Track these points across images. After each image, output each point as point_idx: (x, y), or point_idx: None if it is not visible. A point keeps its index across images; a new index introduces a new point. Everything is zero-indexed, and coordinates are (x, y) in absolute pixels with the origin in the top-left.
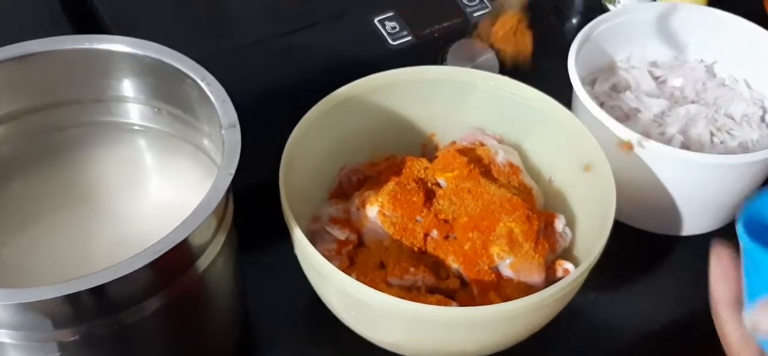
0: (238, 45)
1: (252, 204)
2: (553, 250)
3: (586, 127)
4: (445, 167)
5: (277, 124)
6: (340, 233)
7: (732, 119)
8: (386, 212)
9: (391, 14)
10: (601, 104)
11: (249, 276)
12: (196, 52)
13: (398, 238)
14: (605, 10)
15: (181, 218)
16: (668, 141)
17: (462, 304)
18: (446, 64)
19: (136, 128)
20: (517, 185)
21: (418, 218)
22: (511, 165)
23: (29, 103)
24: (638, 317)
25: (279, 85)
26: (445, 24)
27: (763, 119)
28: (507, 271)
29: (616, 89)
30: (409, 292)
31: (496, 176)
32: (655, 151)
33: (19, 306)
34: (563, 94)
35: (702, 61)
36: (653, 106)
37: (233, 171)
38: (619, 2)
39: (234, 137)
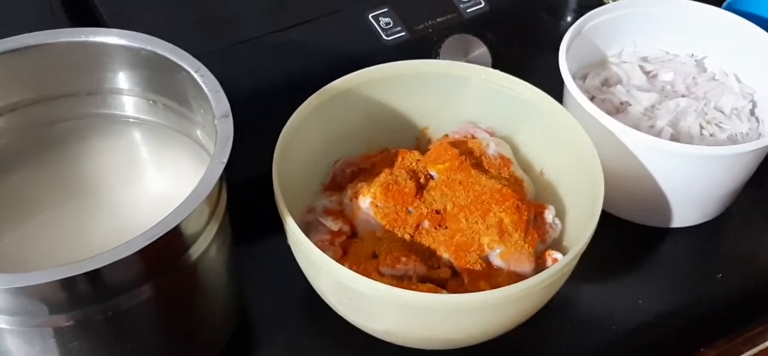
0: (233, 41)
1: (247, 197)
2: (543, 240)
3: (576, 120)
4: (436, 159)
5: (272, 118)
6: (334, 224)
7: (722, 112)
8: (378, 203)
9: (385, 10)
10: (592, 98)
11: (243, 267)
12: (192, 49)
13: (390, 228)
14: (599, 5)
15: None
16: (658, 134)
17: (452, 293)
18: (440, 59)
19: (132, 120)
20: (507, 177)
21: (410, 209)
22: (502, 157)
23: (25, 95)
24: (628, 308)
25: (274, 80)
26: (439, 19)
27: (752, 113)
28: (497, 261)
29: (608, 83)
30: (401, 282)
31: (487, 167)
32: (645, 143)
33: (15, 291)
34: (555, 89)
35: (692, 55)
36: (644, 99)
37: (225, 160)
38: None
39: (227, 127)
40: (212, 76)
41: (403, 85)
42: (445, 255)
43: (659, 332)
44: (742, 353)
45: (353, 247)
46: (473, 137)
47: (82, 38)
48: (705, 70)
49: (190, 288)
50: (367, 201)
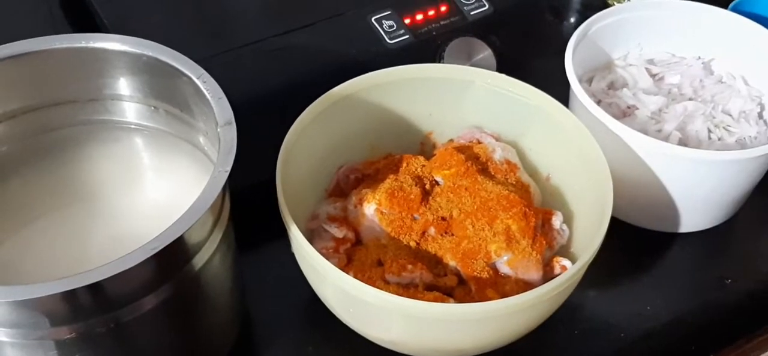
0: (235, 45)
1: (250, 203)
2: (550, 247)
3: (583, 124)
4: (442, 165)
5: (275, 123)
6: (338, 231)
7: (730, 115)
8: (384, 210)
9: (388, 13)
10: (599, 102)
11: (247, 275)
12: (194, 53)
13: (396, 236)
14: (605, 7)
15: (178, 216)
16: (666, 138)
17: (459, 301)
18: (444, 63)
19: (133, 126)
20: (514, 183)
21: (415, 215)
22: (508, 163)
23: (26, 102)
24: (636, 314)
25: (276, 84)
26: (442, 22)
27: (760, 116)
28: (504, 268)
29: (614, 86)
30: (407, 289)
31: (493, 173)
32: (653, 148)
33: (16, 304)
34: (560, 92)
35: (699, 58)
36: (650, 103)
37: (229, 168)
38: None
39: (230, 135)
40: (215, 83)
41: (407, 90)
42: (452, 263)
43: (668, 338)
44: None
45: (358, 254)
46: (479, 142)
47: (83, 44)
48: (712, 73)
49: (194, 297)
50: (371, 208)
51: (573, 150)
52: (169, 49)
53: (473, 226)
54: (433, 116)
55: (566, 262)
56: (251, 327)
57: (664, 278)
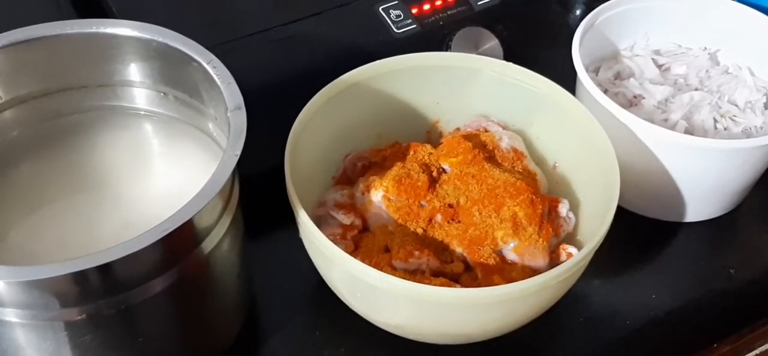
0: (243, 33)
1: (258, 191)
2: (557, 234)
3: (590, 112)
4: (449, 153)
5: (283, 112)
6: (345, 218)
7: (736, 105)
8: (391, 197)
9: (395, 2)
10: (605, 92)
11: (255, 261)
12: (202, 41)
13: (403, 222)
14: None
15: (187, 202)
16: (672, 127)
17: (466, 287)
18: (451, 52)
19: (142, 112)
20: (521, 171)
21: (422, 202)
22: (515, 151)
23: (36, 87)
24: (641, 303)
25: (284, 73)
26: (449, 12)
27: (766, 106)
28: (511, 255)
29: (620, 76)
30: (414, 276)
31: (500, 161)
32: (660, 136)
33: (27, 284)
34: (567, 82)
35: (705, 48)
36: (657, 93)
37: (239, 152)
38: None
39: (240, 119)
40: (225, 68)
41: (414, 79)
42: (459, 249)
43: (672, 327)
44: (755, 348)
45: (365, 241)
46: (486, 131)
47: (93, 30)
48: (718, 64)
49: (202, 281)
50: (379, 195)
51: (580, 139)
52: (180, 34)
53: (480, 213)
54: (440, 105)
55: (572, 249)
56: (258, 312)
57: (668, 267)
